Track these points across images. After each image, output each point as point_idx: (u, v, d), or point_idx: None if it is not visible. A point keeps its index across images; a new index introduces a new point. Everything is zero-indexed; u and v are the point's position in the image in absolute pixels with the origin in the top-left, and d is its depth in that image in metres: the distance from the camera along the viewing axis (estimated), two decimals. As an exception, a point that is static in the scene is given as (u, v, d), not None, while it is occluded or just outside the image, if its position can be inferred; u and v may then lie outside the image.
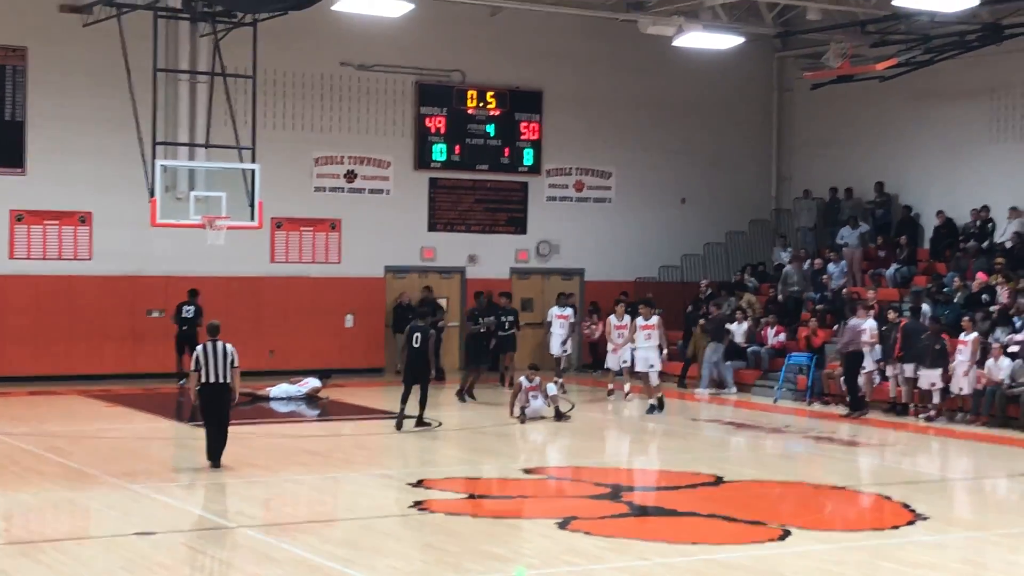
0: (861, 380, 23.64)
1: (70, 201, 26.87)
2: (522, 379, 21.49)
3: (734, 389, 26.55)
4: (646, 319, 23.68)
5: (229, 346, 16.34)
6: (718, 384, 26.72)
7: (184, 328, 25.92)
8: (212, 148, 25.34)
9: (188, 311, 26.01)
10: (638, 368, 23.69)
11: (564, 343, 26.99)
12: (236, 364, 16.33)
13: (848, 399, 23.74)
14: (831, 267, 28.84)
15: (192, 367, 16.42)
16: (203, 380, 16.21)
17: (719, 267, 32.46)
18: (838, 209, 31.12)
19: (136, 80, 23.69)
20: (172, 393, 24.92)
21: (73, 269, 26.90)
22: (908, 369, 23.08)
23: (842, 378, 23.96)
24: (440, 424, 20.85)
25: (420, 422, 20.28)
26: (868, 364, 23.64)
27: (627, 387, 25.11)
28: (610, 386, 25.44)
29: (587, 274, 31.71)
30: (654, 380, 23.07)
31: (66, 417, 21.92)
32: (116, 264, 27.06)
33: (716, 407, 24.90)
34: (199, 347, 16.49)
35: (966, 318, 23.30)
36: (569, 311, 27.41)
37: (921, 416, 22.70)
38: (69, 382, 25.87)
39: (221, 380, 16.20)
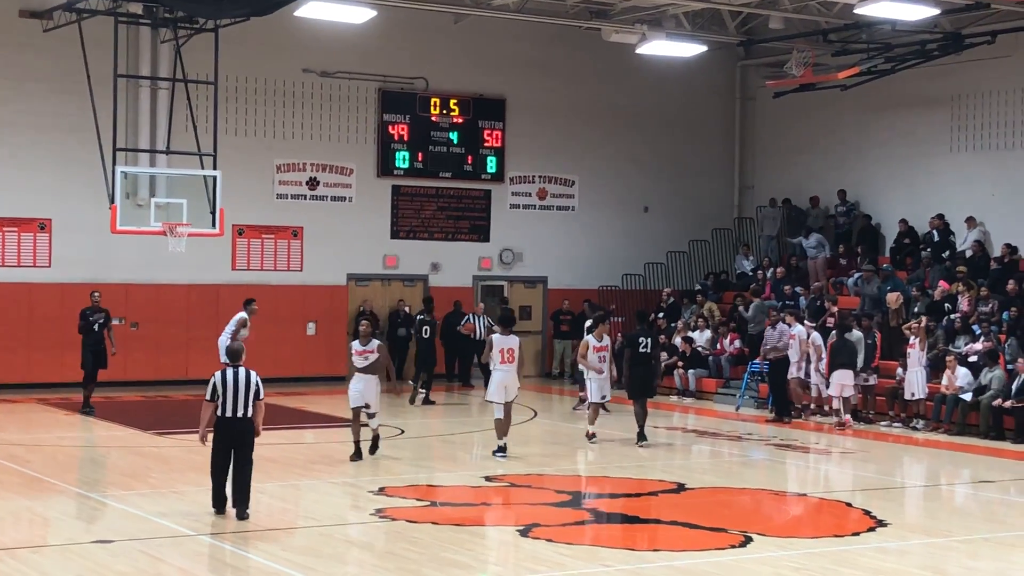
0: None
1: (29, 208, 26.68)
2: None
3: None
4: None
5: (254, 374, 13.90)
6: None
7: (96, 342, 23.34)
8: (173, 155, 25.26)
9: (97, 318, 23.42)
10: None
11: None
12: (262, 396, 13.91)
13: (773, 404, 24.18)
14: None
15: (207, 396, 13.88)
16: (220, 413, 13.78)
17: (682, 275, 32.51)
18: (801, 218, 31.23)
19: (96, 86, 23.58)
20: (133, 401, 24.77)
21: (32, 276, 26.70)
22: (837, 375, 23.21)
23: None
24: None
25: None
26: (792, 371, 23.97)
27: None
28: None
29: (550, 282, 31.72)
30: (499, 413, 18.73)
31: (24, 425, 21.74)
32: (76, 271, 26.86)
33: (679, 415, 24.91)
34: (216, 374, 13.90)
35: (912, 323, 23.54)
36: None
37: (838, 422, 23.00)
38: (27, 390, 25.67)
39: (241, 414, 13.73)
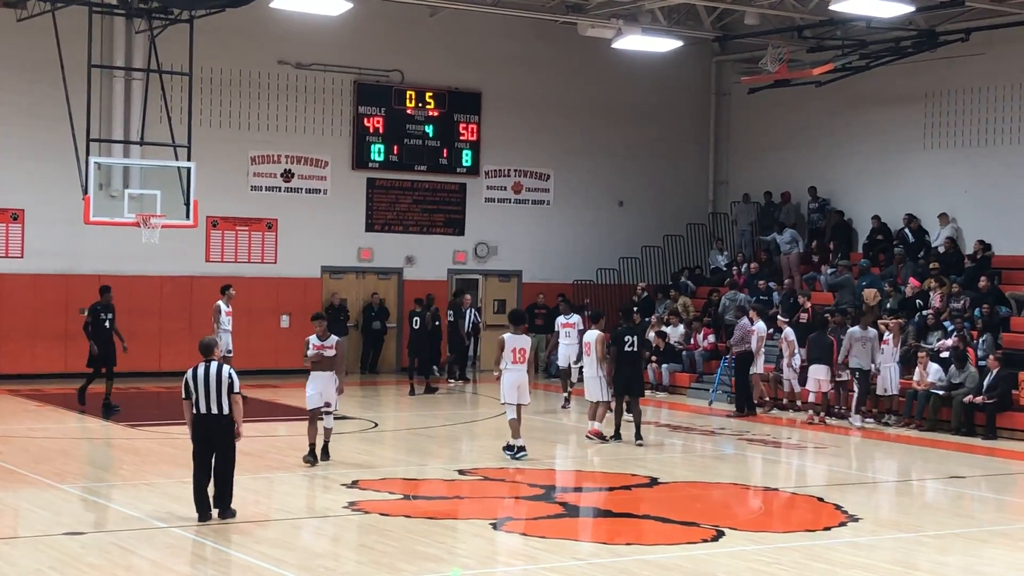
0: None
1: (2, 198, 26.56)
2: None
3: None
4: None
5: (226, 368, 13.39)
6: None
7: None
8: (147, 146, 25.17)
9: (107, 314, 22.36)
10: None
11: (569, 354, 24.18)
12: (237, 389, 13.36)
13: (735, 399, 24.31)
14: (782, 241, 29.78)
15: (182, 394, 13.43)
16: (195, 411, 13.33)
17: (656, 270, 32.57)
18: (773, 213, 31.28)
19: (70, 76, 23.45)
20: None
21: (4, 267, 26.57)
22: (811, 370, 23.28)
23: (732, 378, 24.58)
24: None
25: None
26: (756, 367, 24.03)
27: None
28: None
29: (525, 276, 31.72)
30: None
31: (-4, 416, 21.63)
32: (48, 262, 26.76)
33: (652, 409, 24.96)
34: (189, 371, 13.41)
35: (883, 320, 23.69)
36: (576, 319, 24.73)
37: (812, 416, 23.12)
38: (-1, 381, 25.59)
39: (215, 411, 13.25)
